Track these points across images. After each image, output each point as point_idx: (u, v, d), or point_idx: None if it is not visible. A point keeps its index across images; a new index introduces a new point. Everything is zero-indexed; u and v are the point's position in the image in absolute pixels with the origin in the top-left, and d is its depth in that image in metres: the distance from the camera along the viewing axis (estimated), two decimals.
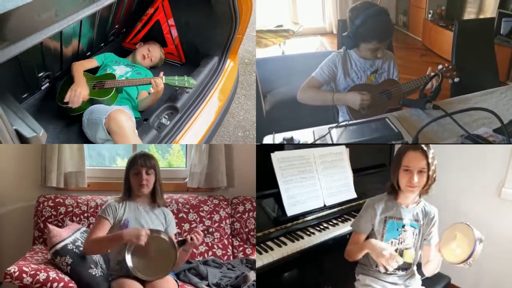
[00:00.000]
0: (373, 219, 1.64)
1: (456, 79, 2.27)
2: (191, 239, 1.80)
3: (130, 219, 1.87)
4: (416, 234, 1.66)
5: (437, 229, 1.69)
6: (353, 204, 2.26)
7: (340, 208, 2.19)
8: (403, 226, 1.64)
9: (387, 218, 1.65)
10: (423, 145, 1.59)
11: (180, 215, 2.33)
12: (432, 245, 1.65)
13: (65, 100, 2.18)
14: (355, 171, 2.33)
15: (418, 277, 1.73)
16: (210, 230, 1.84)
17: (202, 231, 1.85)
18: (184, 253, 1.85)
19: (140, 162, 1.87)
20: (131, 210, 1.89)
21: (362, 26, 2.20)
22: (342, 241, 2.01)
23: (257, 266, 1.72)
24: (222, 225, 2.37)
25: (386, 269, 1.58)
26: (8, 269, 1.74)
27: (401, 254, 1.63)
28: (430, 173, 1.57)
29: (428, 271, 1.67)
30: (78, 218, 2.22)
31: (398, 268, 1.65)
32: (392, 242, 1.63)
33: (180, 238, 1.87)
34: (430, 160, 1.57)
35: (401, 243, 1.64)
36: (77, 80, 2.26)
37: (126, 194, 1.92)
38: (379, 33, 2.24)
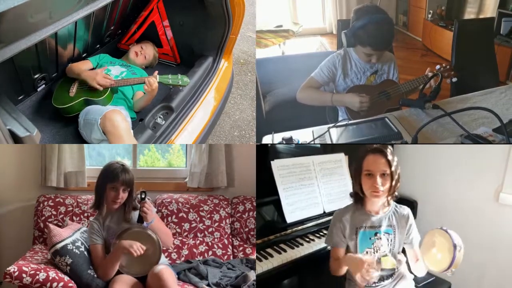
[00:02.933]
0: (344, 231, 1.59)
1: (454, 79, 2.27)
2: (142, 211, 1.83)
3: (115, 228, 1.89)
4: (392, 240, 1.60)
5: (416, 227, 1.64)
6: None
7: None
8: (376, 234, 1.58)
9: (357, 228, 1.59)
10: (382, 147, 1.53)
11: (180, 214, 2.33)
12: (414, 244, 1.61)
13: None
14: None
15: (409, 277, 1.67)
16: (143, 195, 1.85)
17: (140, 195, 1.85)
18: (154, 227, 1.87)
19: (121, 179, 1.83)
20: (111, 221, 1.90)
21: (361, 29, 2.19)
22: None
23: (257, 272, 1.72)
24: (222, 224, 2.37)
25: (368, 282, 1.50)
26: (7, 269, 1.74)
27: (378, 262, 1.54)
28: (395, 176, 1.51)
29: (418, 271, 1.62)
30: (78, 218, 2.23)
31: (382, 278, 1.61)
32: (367, 252, 1.58)
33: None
34: (390, 160, 1.50)
35: (376, 252, 1.58)
36: (83, 74, 2.27)
37: (99, 208, 1.90)
38: (375, 41, 2.22)
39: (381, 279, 1.61)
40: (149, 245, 1.83)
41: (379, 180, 1.50)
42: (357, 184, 1.57)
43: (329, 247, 1.92)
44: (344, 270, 1.58)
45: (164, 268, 1.83)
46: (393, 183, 1.52)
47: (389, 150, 1.53)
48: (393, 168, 1.51)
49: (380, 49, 2.29)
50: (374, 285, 1.60)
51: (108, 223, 1.91)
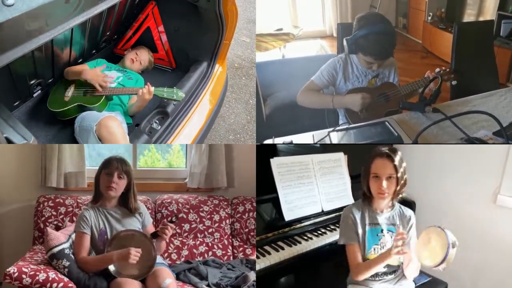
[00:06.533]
0: (355, 226, 1.64)
1: (454, 82, 2.27)
2: (162, 232, 1.81)
3: (104, 226, 1.89)
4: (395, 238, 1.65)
5: (415, 230, 1.69)
6: None
7: (337, 213, 2.18)
8: (382, 231, 1.65)
9: (365, 225, 1.65)
10: (389, 152, 1.59)
11: (180, 215, 2.33)
12: (411, 246, 1.64)
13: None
14: (353, 177, 2.33)
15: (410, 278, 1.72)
16: (174, 219, 1.86)
17: (168, 221, 1.85)
18: (159, 244, 1.87)
19: (115, 165, 1.86)
20: (103, 217, 1.91)
21: (363, 38, 2.19)
22: (339, 246, 2.03)
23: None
24: (222, 225, 2.37)
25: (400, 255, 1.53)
26: (7, 270, 1.74)
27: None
28: (399, 178, 1.58)
29: (409, 272, 1.66)
30: None
31: (386, 273, 1.66)
32: (374, 248, 1.64)
33: (153, 231, 1.89)
34: (397, 165, 1.57)
35: (382, 248, 1.64)
36: (84, 73, 2.27)
37: (96, 198, 1.93)
38: (377, 51, 2.22)
39: (385, 273, 1.66)
40: (144, 250, 1.80)
41: (385, 183, 1.57)
42: (365, 185, 1.64)
43: (327, 247, 1.96)
44: (379, 268, 1.59)
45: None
46: (399, 186, 1.60)
47: (398, 155, 1.60)
48: (399, 174, 1.58)
49: (382, 59, 2.30)
50: (377, 278, 1.65)
51: (110, 218, 1.90)
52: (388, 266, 1.64)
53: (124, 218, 1.93)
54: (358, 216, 1.65)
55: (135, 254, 1.75)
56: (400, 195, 1.65)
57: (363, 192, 1.67)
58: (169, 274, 1.88)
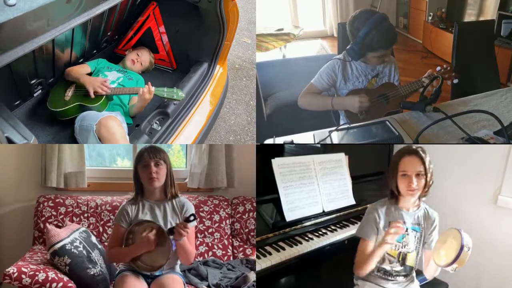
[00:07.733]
0: (378, 224, 1.64)
1: (455, 80, 2.26)
2: (176, 230, 1.70)
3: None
4: (418, 238, 1.67)
5: (438, 232, 1.69)
6: (352, 210, 2.26)
7: (338, 214, 2.20)
8: (406, 229, 1.64)
9: (391, 222, 1.63)
10: (418, 149, 1.60)
11: None
12: (432, 248, 1.66)
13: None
14: (354, 178, 2.34)
15: (417, 282, 1.73)
16: (192, 219, 1.77)
17: (185, 220, 1.75)
18: (178, 244, 1.77)
19: (148, 155, 1.78)
20: (146, 211, 1.83)
21: (367, 37, 2.18)
22: (340, 247, 2.03)
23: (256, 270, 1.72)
24: (222, 225, 2.37)
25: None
26: (6, 270, 1.74)
27: (404, 257, 1.64)
28: (428, 175, 1.59)
29: (429, 273, 1.68)
30: (78, 219, 2.22)
31: (399, 274, 1.66)
32: (396, 245, 1.64)
33: (169, 227, 1.78)
34: (426, 163, 1.58)
35: (404, 247, 1.65)
36: (82, 78, 2.27)
37: (138, 193, 1.84)
38: (385, 41, 2.22)
39: (398, 275, 1.66)
40: (161, 245, 1.75)
41: (414, 180, 1.58)
42: (393, 183, 1.63)
43: (328, 247, 1.95)
44: (375, 262, 1.60)
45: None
46: (427, 181, 1.60)
47: (420, 149, 1.61)
48: (427, 167, 1.59)
49: (392, 45, 2.30)
50: (390, 278, 1.66)
51: (145, 213, 1.82)
52: (404, 266, 1.65)
53: (167, 215, 1.83)
54: (382, 212, 1.65)
55: (153, 239, 1.71)
56: (425, 195, 1.65)
57: (390, 190, 1.66)
58: (178, 283, 1.80)
